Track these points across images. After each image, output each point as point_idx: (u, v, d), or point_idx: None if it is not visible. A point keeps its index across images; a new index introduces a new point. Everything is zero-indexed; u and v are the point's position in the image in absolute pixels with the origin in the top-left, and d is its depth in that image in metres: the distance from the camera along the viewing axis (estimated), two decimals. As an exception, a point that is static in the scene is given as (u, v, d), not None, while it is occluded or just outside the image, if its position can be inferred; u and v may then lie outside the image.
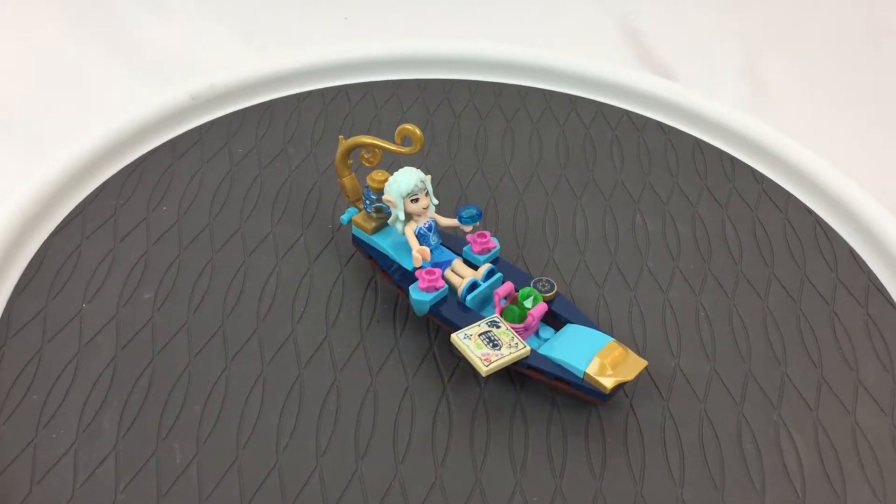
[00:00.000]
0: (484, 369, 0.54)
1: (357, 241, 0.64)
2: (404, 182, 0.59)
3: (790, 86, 0.88)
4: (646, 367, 0.56)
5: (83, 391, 0.56)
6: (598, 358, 0.55)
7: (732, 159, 0.78)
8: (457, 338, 0.56)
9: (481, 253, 0.61)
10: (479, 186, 0.74)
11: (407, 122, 0.79)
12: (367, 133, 0.78)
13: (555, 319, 0.60)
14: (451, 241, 0.63)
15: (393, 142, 0.62)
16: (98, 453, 0.53)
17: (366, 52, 0.85)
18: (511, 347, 0.56)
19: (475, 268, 0.61)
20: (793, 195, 0.74)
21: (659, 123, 0.81)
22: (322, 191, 0.72)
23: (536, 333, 0.59)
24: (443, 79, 0.85)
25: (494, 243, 0.62)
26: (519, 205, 0.72)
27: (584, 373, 0.55)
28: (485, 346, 0.55)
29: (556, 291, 0.60)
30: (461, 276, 0.60)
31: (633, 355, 0.56)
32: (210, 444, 0.54)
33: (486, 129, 0.80)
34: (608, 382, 0.54)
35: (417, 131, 0.60)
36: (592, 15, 0.98)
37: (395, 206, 0.59)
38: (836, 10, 1.01)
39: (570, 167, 0.76)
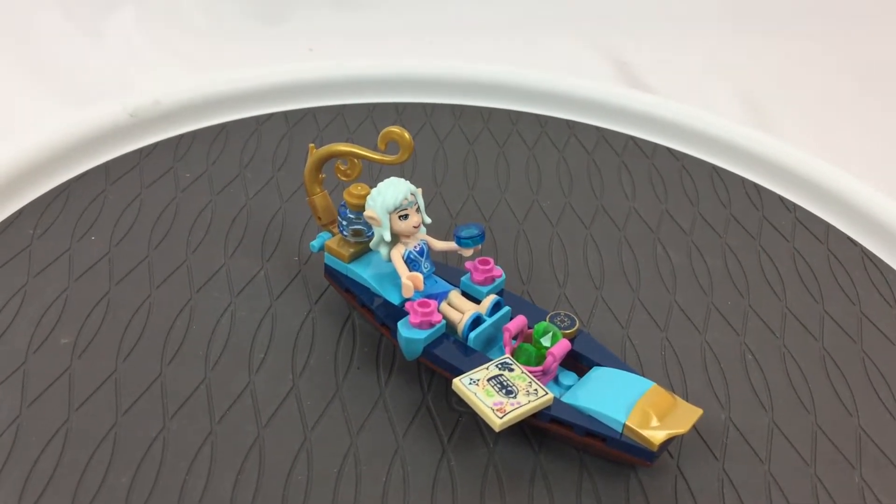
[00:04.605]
0: (498, 422, 0.42)
1: (331, 273, 0.53)
2: (390, 194, 0.47)
3: (807, 107, 0.80)
4: (700, 417, 0.44)
5: (-27, 460, 0.43)
6: (639, 406, 0.44)
7: (757, 186, 0.68)
8: (460, 384, 0.44)
9: (484, 283, 0.50)
10: (472, 215, 0.63)
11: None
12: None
13: (577, 362, 0.49)
14: (446, 272, 0.52)
15: (375, 149, 0.51)
16: (-14, 542, 0.40)
17: (336, 71, 0.74)
18: (529, 395, 0.44)
19: (477, 301, 0.49)
20: (832, 225, 0.64)
21: (669, 149, 0.72)
22: (286, 219, 0.61)
23: (556, 380, 0.48)
24: (423, 102, 0.75)
25: (500, 271, 0.51)
26: (519, 235, 0.61)
27: (624, 425, 0.43)
28: (497, 394, 0.44)
29: (579, 328, 0.49)
30: (460, 310, 0.48)
31: (682, 403, 0.45)
32: (139, 528, 0.41)
33: (476, 155, 0.69)
34: (657, 436, 0.43)
35: (406, 135, 0.49)
36: (575, 42, 0.89)
37: (378, 225, 0.48)
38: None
39: (575, 195, 0.66)
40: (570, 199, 0.65)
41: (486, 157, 0.69)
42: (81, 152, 0.64)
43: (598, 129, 0.74)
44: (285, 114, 0.72)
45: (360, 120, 0.72)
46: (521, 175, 0.67)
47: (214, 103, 0.70)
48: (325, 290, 0.55)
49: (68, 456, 0.43)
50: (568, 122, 0.74)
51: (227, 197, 0.62)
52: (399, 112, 0.74)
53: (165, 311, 0.52)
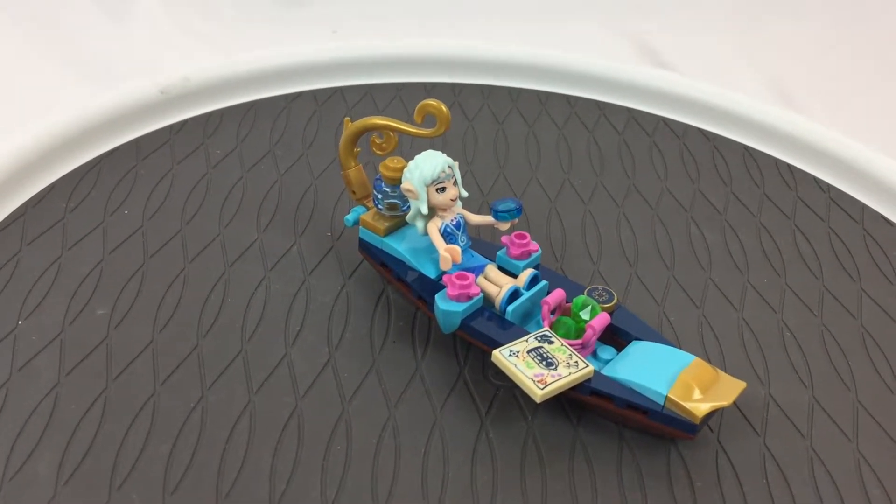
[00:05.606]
0: (539, 393, 0.42)
1: (365, 246, 0.52)
2: (428, 167, 0.47)
3: (834, 90, 0.79)
4: (743, 391, 0.44)
5: (13, 427, 0.43)
6: (681, 379, 0.43)
7: (790, 167, 0.67)
8: (500, 355, 0.44)
9: (520, 258, 0.50)
10: (504, 193, 0.62)
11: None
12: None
13: (615, 337, 0.48)
14: (480, 246, 0.52)
15: (412, 123, 0.50)
16: (28, 508, 0.39)
17: (365, 51, 0.74)
18: (570, 367, 0.43)
19: (513, 276, 0.49)
20: (867, 205, 0.63)
21: (700, 130, 0.71)
22: (317, 196, 0.61)
23: (594, 354, 0.47)
24: (451, 82, 0.75)
25: (536, 246, 0.50)
26: (552, 213, 0.61)
27: (666, 397, 0.43)
28: (537, 366, 0.43)
29: (617, 302, 0.48)
30: (497, 284, 0.48)
31: (725, 376, 0.45)
32: (181, 496, 0.40)
33: (506, 134, 0.69)
34: (701, 408, 0.42)
35: (443, 108, 0.49)
36: (598, 26, 0.89)
37: (416, 198, 0.48)
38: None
39: (607, 174, 0.65)
40: (601, 178, 0.65)
41: (515, 136, 0.69)
42: (111, 128, 0.64)
43: (628, 109, 0.73)
44: (314, 93, 0.72)
45: (389, 99, 0.72)
46: (552, 154, 0.67)
47: (243, 81, 0.70)
48: (359, 266, 0.55)
49: (108, 424, 0.43)
50: (598, 102, 0.74)
51: (257, 173, 0.62)
52: (427, 91, 0.73)
53: (200, 283, 0.52)
